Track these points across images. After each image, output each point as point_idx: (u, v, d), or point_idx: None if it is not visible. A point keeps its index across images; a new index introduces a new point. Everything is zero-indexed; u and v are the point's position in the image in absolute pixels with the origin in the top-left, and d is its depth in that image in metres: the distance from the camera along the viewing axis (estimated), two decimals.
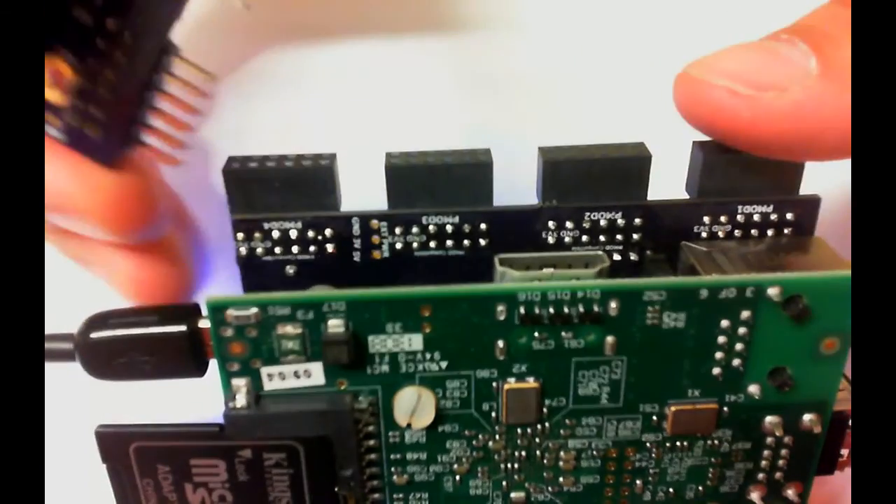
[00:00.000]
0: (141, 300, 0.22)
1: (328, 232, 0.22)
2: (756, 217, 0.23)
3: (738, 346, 0.21)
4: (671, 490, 0.24)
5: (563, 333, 0.21)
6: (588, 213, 0.23)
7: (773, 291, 0.21)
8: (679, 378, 0.22)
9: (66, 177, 0.20)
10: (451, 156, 0.22)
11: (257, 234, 0.22)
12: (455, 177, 0.22)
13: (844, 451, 0.24)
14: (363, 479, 0.23)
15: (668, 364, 0.22)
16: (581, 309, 0.21)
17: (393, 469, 0.23)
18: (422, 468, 0.23)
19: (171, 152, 0.21)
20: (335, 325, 0.20)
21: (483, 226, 0.23)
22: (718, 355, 0.22)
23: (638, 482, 0.24)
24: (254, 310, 0.20)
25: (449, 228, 0.23)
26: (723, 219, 0.23)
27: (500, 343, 0.21)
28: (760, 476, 0.24)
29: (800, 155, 0.21)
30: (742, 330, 0.21)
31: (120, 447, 0.21)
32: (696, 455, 0.23)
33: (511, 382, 0.22)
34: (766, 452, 0.23)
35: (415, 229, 0.23)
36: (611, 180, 0.22)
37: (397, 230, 0.23)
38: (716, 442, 0.23)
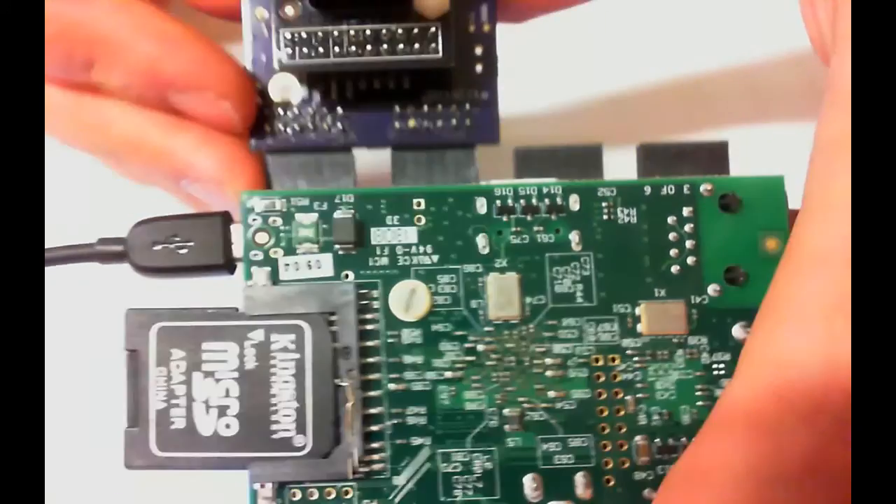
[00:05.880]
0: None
1: None
2: None
3: (689, 244, 0.25)
4: (665, 412, 0.24)
5: (535, 228, 0.25)
6: None
7: (705, 187, 0.25)
8: (643, 276, 0.25)
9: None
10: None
11: None
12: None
13: None
14: (361, 378, 0.24)
15: (630, 260, 0.25)
16: (547, 202, 0.25)
17: (391, 375, 0.24)
18: (418, 374, 0.24)
19: None
20: (344, 213, 0.25)
21: None
22: (673, 252, 0.25)
23: (628, 398, 0.24)
24: (279, 199, 0.25)
25: None
26: None
27: (482, 237, 0.25)
28: None
29: None
30: (688, 226, 0.25)
31: (144, 329, 0.24)
32: (679, 365, 0.25)
33: (495, 274, 0.25)
34: None
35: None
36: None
37: None
38: (694, 351, 0.25)
